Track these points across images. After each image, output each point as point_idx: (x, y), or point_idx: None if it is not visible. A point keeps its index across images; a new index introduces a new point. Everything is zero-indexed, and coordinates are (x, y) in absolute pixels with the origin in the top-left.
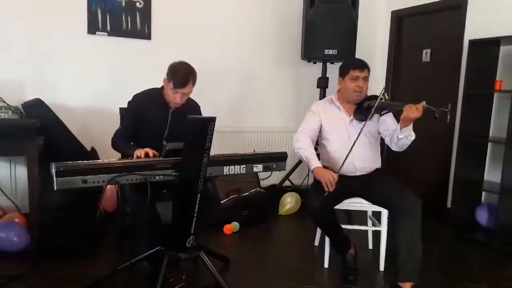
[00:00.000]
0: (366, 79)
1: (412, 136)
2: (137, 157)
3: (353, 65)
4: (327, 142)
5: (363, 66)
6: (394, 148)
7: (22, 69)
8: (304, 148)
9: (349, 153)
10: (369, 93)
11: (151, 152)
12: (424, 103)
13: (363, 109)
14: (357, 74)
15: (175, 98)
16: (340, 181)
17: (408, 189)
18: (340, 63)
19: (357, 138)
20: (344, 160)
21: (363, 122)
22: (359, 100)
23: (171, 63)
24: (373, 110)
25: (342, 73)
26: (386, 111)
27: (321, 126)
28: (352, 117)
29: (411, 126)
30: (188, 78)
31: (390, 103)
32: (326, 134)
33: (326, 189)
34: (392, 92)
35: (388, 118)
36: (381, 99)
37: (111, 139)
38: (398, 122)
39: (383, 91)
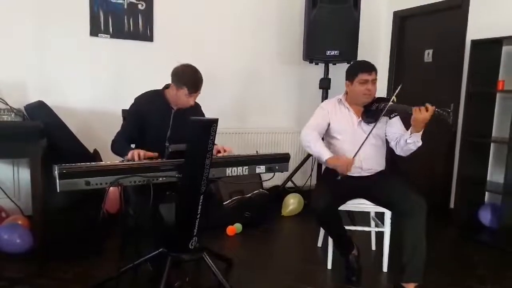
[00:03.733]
0: (374, 81)
1: (419, 143)
2: (128, 160)
3: (361, 68)
4: (335, 142)
5: (371, 69)
6: (398, 152)
7: (24, 71)
8: (313, 141)
9: (359, 148)
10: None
11: (142, 153)
12: (434, 107)
13: (371, 112)
14: (365, 78)
15: (188, 101)
16: (345, 181)
17: (412, 189)
18: (342, 64)
19: (366, 139)
20: (358, 150)
21: (372, 124)
22: (368, 103)
23: (174, 69)
24: (383, 112)
25: (350, 76)
26: (396, 114)
27: (329, 124)
28: (360, 118)
29: (420, 133)
30: (200, 80)
31: (400, 106)
32: (334, 133)
33: (341, 175)
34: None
35: (397, 122)
36: (391, 100)
37: (111, 142)
38: (407, 128)
39: (394, 97)
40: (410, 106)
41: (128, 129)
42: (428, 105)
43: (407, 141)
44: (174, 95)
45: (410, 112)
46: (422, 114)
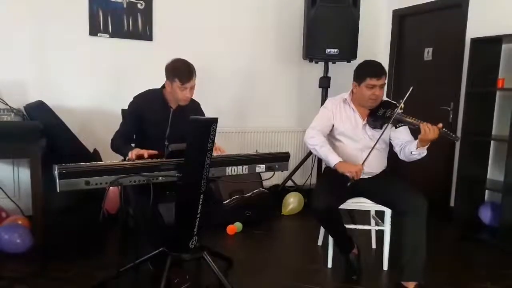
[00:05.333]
0: (382, 86)
1: (424, 153)
2: (129, 159)
3: (370, 73)
4: (338, 144)
5: (380, 74)
6: (401, 157)
7: (24, 71)
8: (320, 144)
9: (368, 155)
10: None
11: (146, 153)
12: (440, 125)
13: (377, 117)
14: (374, 83)
15: (185, 94)
16: (346, 182)
17: (414, 189)
18: (342, 63)
19: (373, 147)
20: (367, 157)
21: (378, 130)
22: (374, 107)
23: (166, 65)
24: (389, 122)
25: (358, 78)
26: (402, 124)
27: (333, 125)
28: (365, 121)
29: (426, 146)
30: (191, 70)
31: (407, 118)
32: (338, 135)
33: (352, 178)
34: (394, 92)
35: (403, 130)
36: (399, 108)
37: (111, 141)
38: (412, 134)
39: (402, 104)
40: (417, 120)
41: (127, 128)
42: (434, 126)
43: (412, 152)
44: (170, 91)
45: (417, 127)
46: (430, 134)
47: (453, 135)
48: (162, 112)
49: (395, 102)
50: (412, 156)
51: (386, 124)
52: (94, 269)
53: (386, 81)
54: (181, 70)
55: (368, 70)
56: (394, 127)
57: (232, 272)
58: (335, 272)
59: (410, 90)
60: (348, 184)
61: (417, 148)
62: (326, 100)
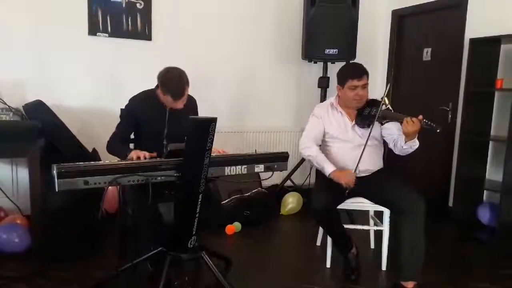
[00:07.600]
0: (365, 86)
1: (416, 145)
2: (129, 159)
3: (350, 74)
4: (330, 147)
5: (361, 74)
6: (397, 152)
7: (23, 70)
8: (314, 155)
9: (361, 157)
10: (373, 90)
11: (142, 154)
12: (421, 117)
13: (364, 116)
14: (355, 84)
15: (176, 105)
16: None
17: (410, 187)
18: (340, 63)
19: (365, 144)
20: (358, 162)
21: (366, 128)
22: (359, 107)
23: (159, 73)
24: (375, 120)
25: (340, 81)
26: (388, 120)
27: (324, 130)
28: (353, 122)
29: (415, 138)
30: (183, 87)
31: (391, 114)
32: (329, 138)
33: (346, 188)
34: (393, 92)
35: (392, 125)
36: (383, 105)
37: (107, 143)
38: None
39: (384, 98)
40: (402, 114)
41: (123, 130)
42: (414, 118)
43: (403, 146)
44: (162, 98)
45: (401, 121)
46: (410, 127)
47: (434, 125)
48: (158, 112)
49: (381, 100)
50: (404, 150)
51: (373, 122)
52: (93, 269)
53: (368, 82)
54: (173, 87)
55: (348, 72)
56: (380, 124)
57: (230, 272)
58: (333, 272)
59: (388, 86)
60: (346, 192)
61: (406, 142)
62: (315, 108)
